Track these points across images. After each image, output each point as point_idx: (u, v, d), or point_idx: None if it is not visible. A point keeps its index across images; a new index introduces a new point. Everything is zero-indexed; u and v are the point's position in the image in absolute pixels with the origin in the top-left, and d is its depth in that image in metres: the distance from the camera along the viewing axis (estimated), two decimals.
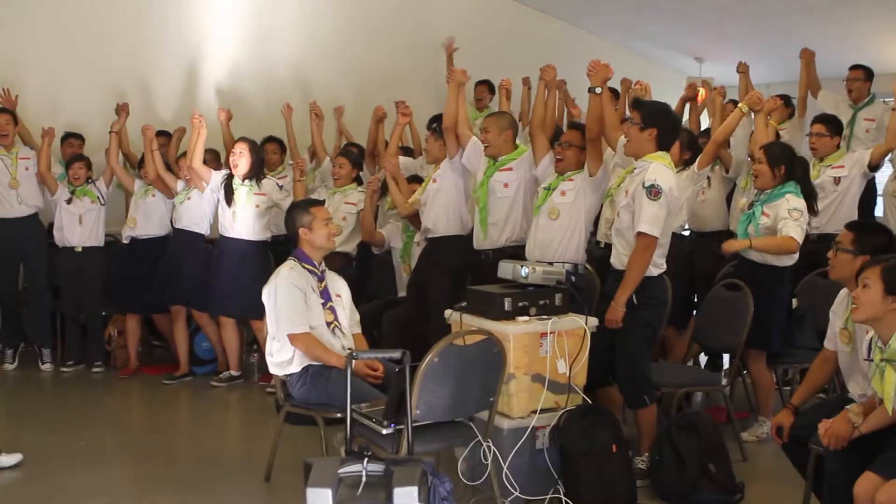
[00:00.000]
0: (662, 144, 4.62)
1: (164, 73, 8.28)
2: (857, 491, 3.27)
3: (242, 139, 6.70)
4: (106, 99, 7.56)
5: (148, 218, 7.04)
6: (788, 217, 5.00)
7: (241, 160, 6.53)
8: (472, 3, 10.04)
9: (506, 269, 4.63)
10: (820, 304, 5.68)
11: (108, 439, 5.59)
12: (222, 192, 6.62)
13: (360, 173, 7.17)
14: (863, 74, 7.37)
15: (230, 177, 6.61)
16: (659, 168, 4.52)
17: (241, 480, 4.80)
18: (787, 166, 5.16)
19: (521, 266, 4.50)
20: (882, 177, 6.86)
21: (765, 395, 5.35)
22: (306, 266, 4.62)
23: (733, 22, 9.52)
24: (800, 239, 5.02)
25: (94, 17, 7.75)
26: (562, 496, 4.22)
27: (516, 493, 4.17)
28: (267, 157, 7.50)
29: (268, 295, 4.54)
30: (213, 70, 8.63)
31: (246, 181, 6.55)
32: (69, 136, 7.42)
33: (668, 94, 11.08)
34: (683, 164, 5.84)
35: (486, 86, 9.24)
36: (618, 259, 4.68)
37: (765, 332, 5.08)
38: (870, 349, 3.50)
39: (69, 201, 7.03)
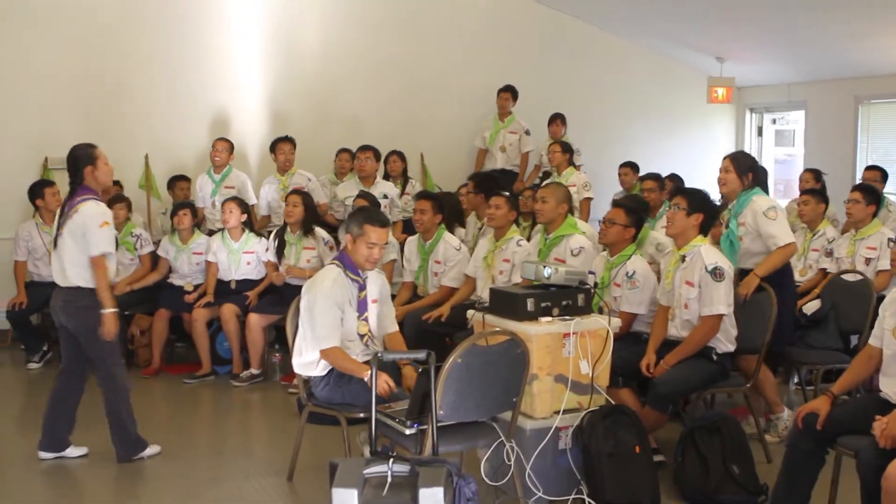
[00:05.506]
0: (704, 230, 4.97)
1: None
2: (889, 473, 3.33)
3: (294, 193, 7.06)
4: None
5: None
6: (766, 219, 5.08)
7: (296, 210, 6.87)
8: (493, 4, 10.07)
9: (529, 269, 4.64)
10: (843, 305, 5.67)
11: None
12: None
13: None
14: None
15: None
16: (710, 250, 4.88)
17: (264, 479, 4.82)
18: (754, 173, 5.26)
19: (544, 266, 4.50)
20: None
21: (771, 390, 5.34)
22: (350, 275, 4.58)
23: (753, 20, 9.42)
24: (788, 238, 5.12)
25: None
26: (585, 497, 4.22)
27: (539, 494, 4.18)
28: (285, 156, 7.88)
29: (306, 302, 4.52)
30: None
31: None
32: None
33: (690, 93, 11.08)
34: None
35: (509, 93, 9.13)
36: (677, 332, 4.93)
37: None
38: None
39: None
